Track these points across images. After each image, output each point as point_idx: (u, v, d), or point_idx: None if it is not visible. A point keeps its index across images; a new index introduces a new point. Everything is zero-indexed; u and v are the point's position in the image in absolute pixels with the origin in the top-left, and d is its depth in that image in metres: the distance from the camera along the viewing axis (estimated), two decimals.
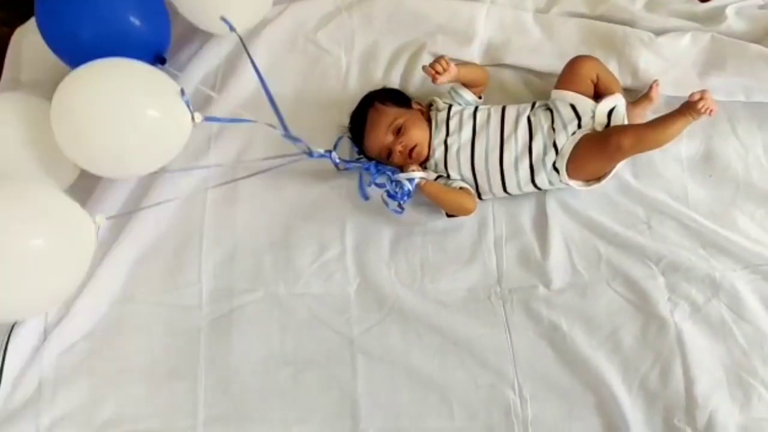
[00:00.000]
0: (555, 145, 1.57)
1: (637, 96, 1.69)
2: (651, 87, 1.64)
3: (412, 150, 1.65)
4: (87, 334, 1.63)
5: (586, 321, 1.50)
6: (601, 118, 1.56)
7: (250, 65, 1.74)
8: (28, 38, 2.07)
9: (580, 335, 1.49)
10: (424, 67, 1.64)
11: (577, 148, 1.55)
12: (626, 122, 1.58)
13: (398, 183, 1.59)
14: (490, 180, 1.62)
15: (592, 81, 1.61)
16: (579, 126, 1.56)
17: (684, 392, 1.41)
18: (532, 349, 1.50)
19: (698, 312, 1.47)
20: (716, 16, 1.73)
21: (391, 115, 1.66)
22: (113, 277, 1.67)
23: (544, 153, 1.58)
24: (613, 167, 1.55)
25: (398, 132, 1.64)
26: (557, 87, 1.63)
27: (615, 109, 1.57)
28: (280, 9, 1.97)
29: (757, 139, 1.61)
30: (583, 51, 1.74)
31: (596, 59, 1.64)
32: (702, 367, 1.42)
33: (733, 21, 1.70)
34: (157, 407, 1.56)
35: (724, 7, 1.73)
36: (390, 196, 1.59)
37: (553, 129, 1.58)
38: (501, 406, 1.47)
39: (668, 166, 1.61)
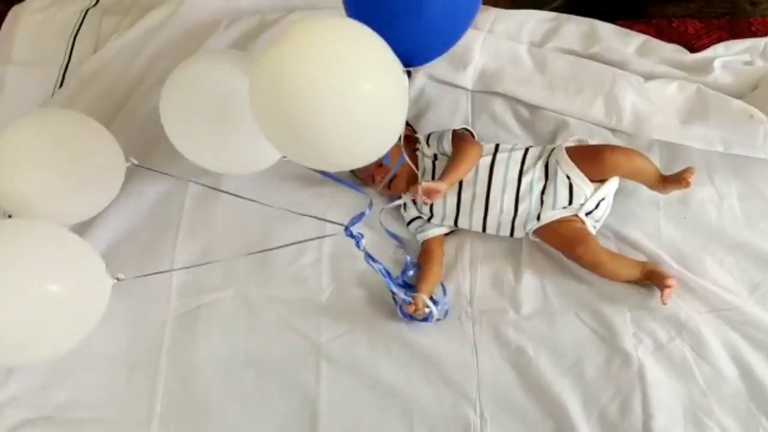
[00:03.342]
0: (539, 217, 1.59)
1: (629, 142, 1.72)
2: (687, 174, 1.55)
3: (390, 181, 1.66)
4: None
5: (552, 348, 1.51)
6: (590, 205, 1.58)
7: None
8: (23, 17, 2.08)
9: (545, 362, 1.49)
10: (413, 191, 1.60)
11: (552, 225, 1.58)
12: (608, 210, 1.61)
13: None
14: (471, 227, 1.65)
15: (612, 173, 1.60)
16: (565, 207, 1.58)
17: (641, 426, 1.42)
18: (497, 371, 1.51)
19: (661, 349, 1.48)
20: (704, 67, 1.77)
21: None
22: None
23: (526, 220, 1.60)
24: None
25: (381, 164, 1.63)
26: (570, 153, 1.59)
27: (605, 199, 1.59)
28: (279, 15, 2.00)
29: (732, 189, 1.65)
30: (572, 87, 1.78)
31: (630, 156, 1.60)
32: (661, 403, 1.43)
33: (719, 73, 1.75)
34: (114, 396, 1.55)
35: (713, 59, 1.78)
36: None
37: (542, 201, 1.59)
38: (461, 425, 1.46)
39: (644, 206, 1.64)
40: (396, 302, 1.57)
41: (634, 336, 1.50)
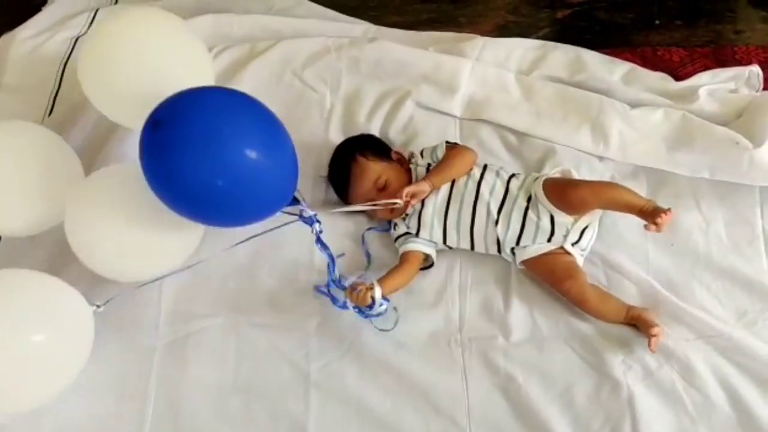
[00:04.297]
0: (519, 240, 1.60)
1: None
2: (663, 215, 1.44)
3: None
4: None
5: (541, 375, 1.51)
6: (574, 236, 1.58)
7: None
8: (13, 45, 2.09)
9: (535, 389, 1.49)
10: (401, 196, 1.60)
11: (539, 258, 1.59)
12: (594, 237, 1.61)
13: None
14: (459, 243, 1.66)
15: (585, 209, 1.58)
16: (549, 239, 1.59)
17: None
18: (487, 398, 1.50)
19: (651, 376, 1.49)
20: (689, 95, 1.80)
21: (375, 170, 1.68)
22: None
23: (506, 242, 1.61)
24: None
25: (383, 188, 1.67)
26: (546, 190, 1.58)
27: (589, 227, 1.59)
28: (269, 44, 2.01)
29: (718, 215, 1.66)
30: (559, 114, 1.80)
31: (597, 192, 1.57)
32: (651, 430, 1.43)
33: (704, 101, 1.77)
34: (103, 423, 1.53)
35: (698, 87, 1.80)
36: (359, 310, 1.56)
37: (522, 227, 1.59)
38: None
39: (632, 232, 1.65)
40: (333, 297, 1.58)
41: (623, 363, 1.50)
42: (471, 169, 1.67)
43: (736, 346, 1.50)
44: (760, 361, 1.48)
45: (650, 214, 1.47)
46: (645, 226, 1.47)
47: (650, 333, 1.47)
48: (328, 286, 1.59)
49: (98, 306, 1.50)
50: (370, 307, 1.52)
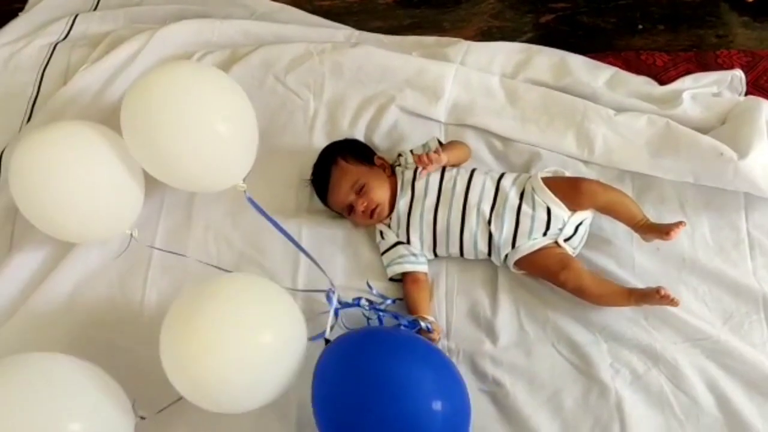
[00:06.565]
0: (514, 241, 1.59)
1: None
2: (674, 227, 1.51)
3: (373, 210, 1.65)
4: None
5: (529, 380, 1.50)
6: (568, 230, 1.58)
7: None
8: None
9: (523, 394, 1.48)
10: (415, 157, 1.67)
11: (533, 255, 1.58)
12: (585, 239, 1.62)
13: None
14: (449, 249, 1.64)
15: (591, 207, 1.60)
16: (544, 234, 1.58)
17: None
18: (475, 404, 1.44)
19: (638, 380, 1.48)
20: (673, 99, 1.79)
21: (353, 174, 1.67)
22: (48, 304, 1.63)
23: (501, 240, 1.59)
24: None
25: (360, 191, 1.65)
26: (546, 182, 1.59)
27: (583, 223, 1.59)
28: (250, 48, 1.99)
29: (703, 219, 1.66)
30: (544, 119, 1.80)
31: (607, 188, 1.61)
32: None
33: (688, 106, 1.76)
34: None
35: (681, 91, 1.80)
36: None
37: (517, 224, 1.58)
38: None
39: (618, 236, 1.65)
40: None
41: (611, 367, 1.50)
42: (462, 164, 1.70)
43: (724, 349, 1.50)
44: (747, 363, 1.48)
45: (649, 228, 1.55)
46: (666, 237, 1.51)
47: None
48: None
49: (143, 417, 1.40)
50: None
